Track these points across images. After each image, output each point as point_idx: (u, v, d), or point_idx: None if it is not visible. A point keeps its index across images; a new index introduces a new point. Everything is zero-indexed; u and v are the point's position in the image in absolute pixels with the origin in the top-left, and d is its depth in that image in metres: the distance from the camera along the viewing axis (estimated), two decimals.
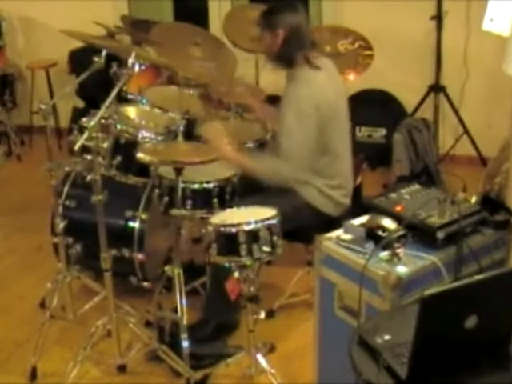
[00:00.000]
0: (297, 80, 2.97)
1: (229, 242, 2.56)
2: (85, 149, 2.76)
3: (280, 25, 2.95)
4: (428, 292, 1.52)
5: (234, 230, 2.55)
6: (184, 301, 2.90)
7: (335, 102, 3.01)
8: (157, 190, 3.05)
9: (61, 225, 3.12)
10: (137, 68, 2.92)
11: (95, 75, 3.04)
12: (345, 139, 3.10)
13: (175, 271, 2.94)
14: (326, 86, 2.98)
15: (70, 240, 3.25)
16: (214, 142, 3.03)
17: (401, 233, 2.23)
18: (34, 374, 2.97)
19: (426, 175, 4.48)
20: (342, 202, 3.10)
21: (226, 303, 2.87)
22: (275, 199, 2.82)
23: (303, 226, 2.98)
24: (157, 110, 3.43)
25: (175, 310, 2.92)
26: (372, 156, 4.52)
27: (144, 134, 3.17)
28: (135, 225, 3.24)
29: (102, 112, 2.72)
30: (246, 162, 3.00)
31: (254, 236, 2.54)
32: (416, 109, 4.93)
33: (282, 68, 3.04)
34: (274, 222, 2.58)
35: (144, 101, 3.49)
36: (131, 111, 3.41)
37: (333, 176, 3.05)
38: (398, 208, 2.35)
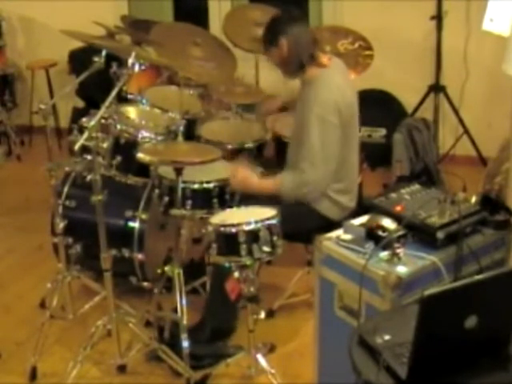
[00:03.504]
0: (314, 82, 2.95)
1: (229, 242, 2.56)
2: (85, 149, 2.76)
3: (280, 35, 2.94)
4: (428, 292, 1.52)
5: (234, 229, 2.55)
6: (184, 301, 2.90)
7: (352, 103, 3.01)
8: (157, 190, 3.05)
9: (61, 225, 3.12)
10: (137, 68, 2.92)
11: (95, 75, 3.03)
12: (355, 140, 3.09)
13: (175, 271, 2.94)
14: (343, 87, 2.97)
15: (70, 240, 3.25)
16: (237, 179, 2.99)
17: (401, 233, 2.23)
18: (33, 374, 2.97)
19: (426, 175, 4.48)
20: (349, 207, 3.09)
21: (227, 306, 2.87)
22: (280, 202, 2.81)
23: (305, 228, 2.97)
24: (157, 110, 3.43)
25: (175, 310, 2.92)
26: (372, 156, 4.51)
27: (144, 133, 3.17)
28: (135, 225, 3.24)
29: (101, 112, 2.71)
30: (271, 186, 2.96)
31: (254, 236, 2.54)
32: (416, 109, 4.93)
33: (297, 75, 3.02)
34: (273, 221, 2.58)
35: (144, 101, 3.49)
36: (131, 111, 3.41)
37: (341, 179, 3.03)
38: (398, 208, 2.35)
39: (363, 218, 2.37)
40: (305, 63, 2.96)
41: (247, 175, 2.99)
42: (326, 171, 2.93)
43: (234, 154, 3.33)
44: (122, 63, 3.23)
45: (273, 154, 3.56)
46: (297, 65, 2.98)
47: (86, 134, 2.62)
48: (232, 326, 3.06)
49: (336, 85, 2.95)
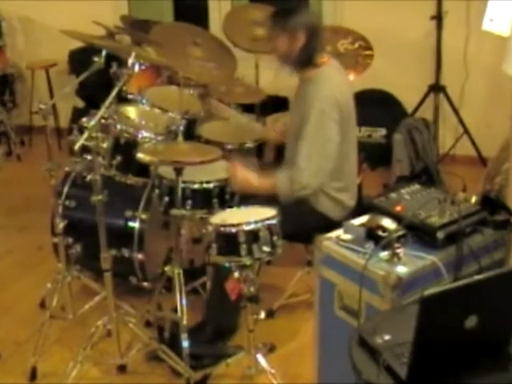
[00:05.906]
0: (314, 79, 2.94)
1: (229, 242, 2.55)
2: (85, 149, 2.76)
3: (300, 26, 2.87)
4: (428, 292, 1.52)
5: (233, 230, 2.55)
6: (184, 301, 2.90)
7: (350, 101, 3.01)
8: (157, 190, 3.05)
9: (61, 225, 3.12)
10: (137, 68, 2.92)
11: (95, 75, 3.03)
12: (353, 139, 3.09)
13: (175, 271, 2.94)
14: (341, 85, 2.97)
15: (70, 240, 3.25)
16: (236, 177, 2.97)
17: (401, 233, 2.23)
18: (34, 374, 2.97)
19: (426, 175, 4.48)
20: (349, 205, 3.08)
21: (228, 305, 2.87)
22: (280, 202, 2.81)
23: (305, 228, 2.96)
24: (157, 110, 3.43)
25: (175, 310, 2.92)
26: (372, 156, 4.51)
27: (144, 133, 3.17)
28: (135, 225, 3.24)
29: (101, 112, 2.71)
30: (269, 185, 2.92)
31: (254, 236, 2.54)
32: (416, 109, 4.93)
33: (299, 70, 2.99)
34: (273, 221, 2.58)
35: (144, 101, 3.49)
36: (131, 111, 3.41)
37: (341, 177, 3.03)
38: (398, 208, 2.35)
39: (363, 218, 2.37)
40: (315, 62, 2.93)
41: (246, 175, 2.97)
42: (321, 166, 2.89)
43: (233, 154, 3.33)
44: (121, 63, 3.24)
45: (273, 155, 3.56)
46: (305, 62, 2.93)
47: (85, 134, 2.62)
48: (234, 326, 3.05)
49: (335, 82, 2.95)
